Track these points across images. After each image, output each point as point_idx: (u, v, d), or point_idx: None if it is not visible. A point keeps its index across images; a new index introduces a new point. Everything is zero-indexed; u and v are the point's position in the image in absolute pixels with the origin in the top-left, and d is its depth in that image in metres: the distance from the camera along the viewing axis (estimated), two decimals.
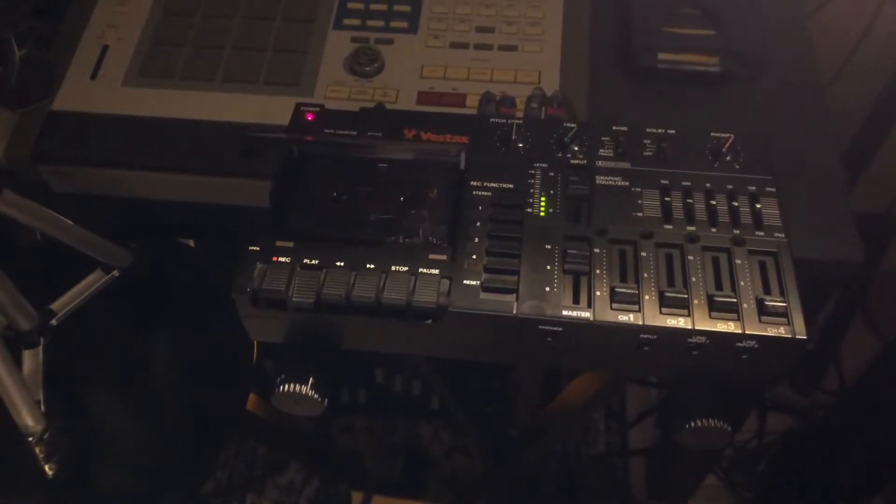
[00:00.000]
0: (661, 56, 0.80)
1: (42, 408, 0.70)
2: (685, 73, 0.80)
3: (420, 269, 0.59)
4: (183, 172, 0.79)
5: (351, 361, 1.25)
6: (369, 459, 1.38)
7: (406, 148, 0.63)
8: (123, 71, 0.84)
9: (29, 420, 0.68)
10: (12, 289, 0.70)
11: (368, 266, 0.59)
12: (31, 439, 0.68)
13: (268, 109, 0.79)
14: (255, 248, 0.60)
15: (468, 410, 1.14)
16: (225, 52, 0.85)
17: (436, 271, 0.58)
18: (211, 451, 0.82)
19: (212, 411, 0.81)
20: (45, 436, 0.69)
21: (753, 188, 0.62)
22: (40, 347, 0.73)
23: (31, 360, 0.72)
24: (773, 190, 0.62)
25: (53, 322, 0.74)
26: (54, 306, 0.75)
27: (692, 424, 0.59)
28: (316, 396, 0.61)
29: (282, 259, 0.59)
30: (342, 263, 0.59)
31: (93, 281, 0.77)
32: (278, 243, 0.60)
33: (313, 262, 0.59)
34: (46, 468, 0.70)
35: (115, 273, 0.78)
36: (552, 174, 0.64)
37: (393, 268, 0.59)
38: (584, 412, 1.19)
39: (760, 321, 0.55)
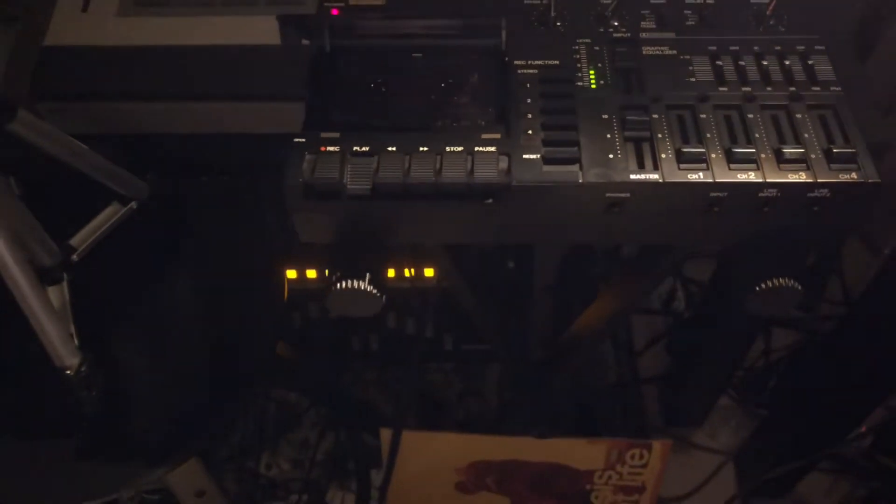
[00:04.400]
0: None
1: (76, 342, 0.67)
2: None
3: (476, 148, 0.56)
4: (188, 100, 0.76)
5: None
6: (382, 408, 1.36)
7: (445, 24, 0.61)
8: (117, 1, 0.80)
9: (65, 354, 0.65)
10: (34, 222, 0.66)
11: (422, 149, 0.56)
12: (69, 373, 0.65)
13: (274, 30, 0.76)
14: (300, 139, 0.57)
15: (490, 332, 1.12)
16: None
17: (492, 149, 0.56)
18: (238, 395, 0.79)
19: (240, 353, 0.78)
20: (83, 368, 0.65)
21: (802, 47, 0.61)
22: (65, 283, 0.70)
23: (57, 295, 0.69)
24: (823, 48, 0.61)
25: (74, 257, 0.70)
26: (73, 241, 0.71)
27: (762, 286, 0.58)
28: (375, 292, 0.59)
29: (330, 149, 0.57)
30: (394, 149, 0.56)
31: (111, 214, 0.73)
32: (324, 134, 0.57)
33: (364, 149, 0.57)
34: (84, 403, 0.67)
35: (133, 205, 0.74)
36: (597, 48, 0.62)
37: (448, 149, 0.56)
38: (600, 337, 1.19)
39: (830, 168, 0.55)
